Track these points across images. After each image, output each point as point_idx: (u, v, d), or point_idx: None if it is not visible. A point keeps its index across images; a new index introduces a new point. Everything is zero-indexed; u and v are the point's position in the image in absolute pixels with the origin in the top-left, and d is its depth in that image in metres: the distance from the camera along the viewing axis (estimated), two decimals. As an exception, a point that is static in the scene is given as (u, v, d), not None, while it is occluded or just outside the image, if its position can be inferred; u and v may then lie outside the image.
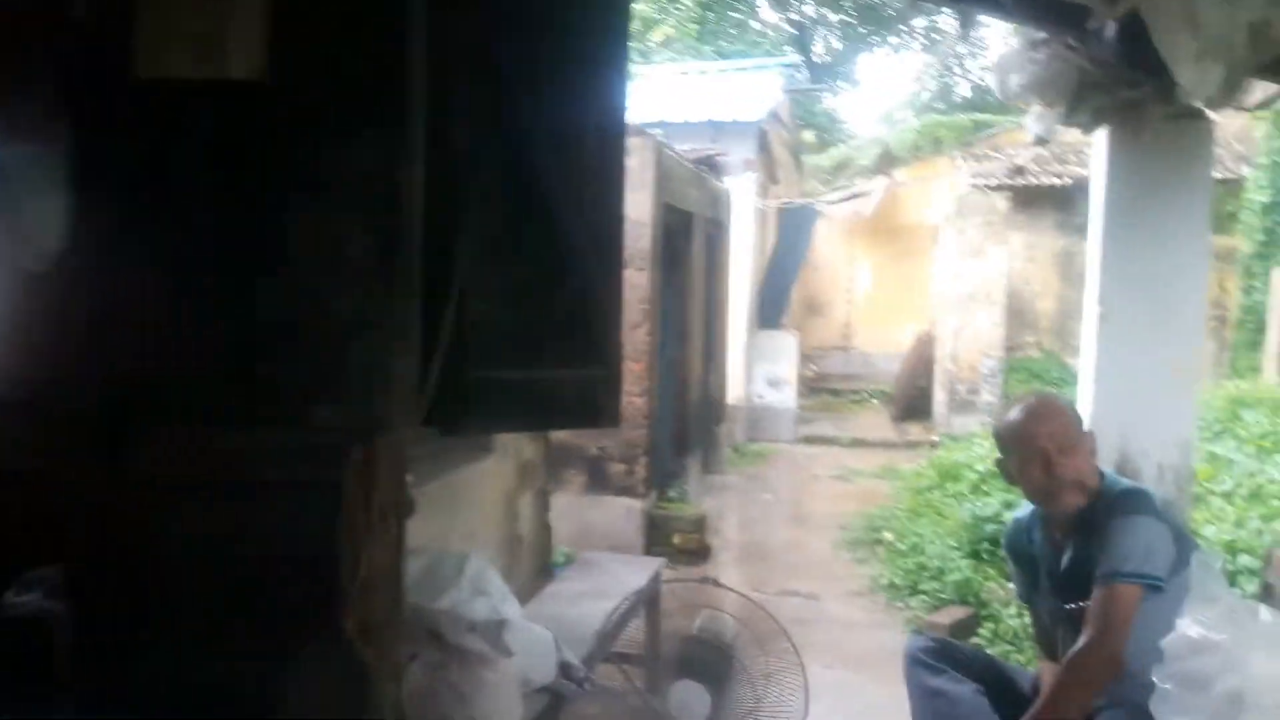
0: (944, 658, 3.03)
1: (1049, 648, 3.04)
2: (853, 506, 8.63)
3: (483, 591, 3.07)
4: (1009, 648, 5.23)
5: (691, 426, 8.62)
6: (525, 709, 3.03)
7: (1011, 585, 6.09)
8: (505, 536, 4.56)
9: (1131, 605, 2.59)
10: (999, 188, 13.11)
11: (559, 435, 7.08)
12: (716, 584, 3.32)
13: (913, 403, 13.33)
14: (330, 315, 1.50)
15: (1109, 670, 2.60)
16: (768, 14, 32.39)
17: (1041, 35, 4.26)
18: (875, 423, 13.13)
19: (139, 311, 1.47)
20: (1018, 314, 13.33)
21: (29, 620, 1.50)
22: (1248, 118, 16.51)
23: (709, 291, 9.42)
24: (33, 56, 1.50)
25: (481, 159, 3.22)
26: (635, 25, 18.96)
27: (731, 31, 25.31)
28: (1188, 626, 2.47)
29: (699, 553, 7.00)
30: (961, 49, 34.33)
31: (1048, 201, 15.32)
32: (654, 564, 4.86)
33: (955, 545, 6.49)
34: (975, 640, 5.49)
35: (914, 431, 12.48)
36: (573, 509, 7.02)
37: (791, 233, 12.28)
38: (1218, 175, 15.76)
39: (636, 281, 6.97)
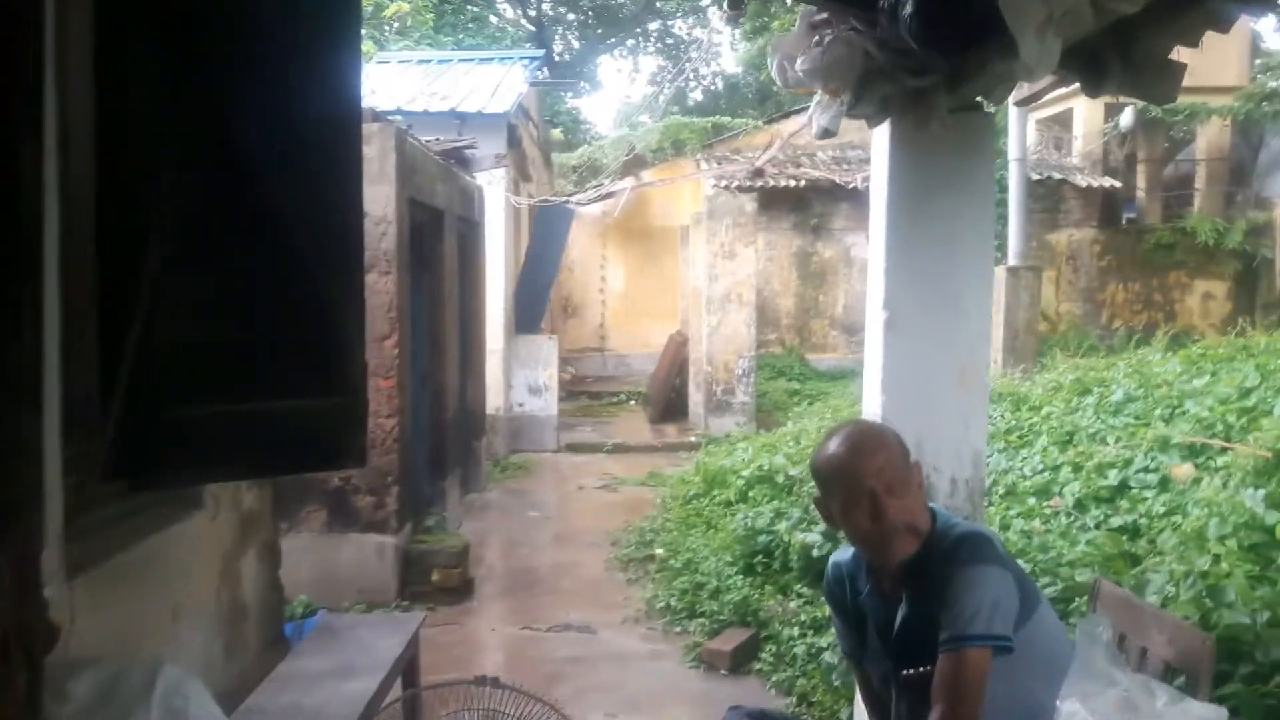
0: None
1: (882, 714, 2.59)
2: (621, 519, 8.13)
3: (179, 714, 2.25)
4: (792, 672, 4.87)
5: (450, 444, 7.81)
6: None
7: (795, 607, 5.85)
8: (223, 608, 3.63)
9: (983, 671, 2.19)
10: (741, 189, 13.12)
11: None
12: (496, 684, 2.62)
13: (669, 404, 13.11)
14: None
15: (965, 748, 2.17)
16: (505, 9, 31.81)
17: (822, 16, 3.86)
18: (634, 425, 12.79)
19: None
20: (761, 312, 13.43)
21: None
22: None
23: (464, 295, 8.63)
24: None
25: (174, 142, 2.32)
26: (367, 4, 17.71)
27: (469, 25, 24.43)
28: (1073, 712, 2.06)
29: (461, 589, 6.23)
30: (695, 54, 35.28)
31: (785, 203, 15.67)
32: (410, 624, 4.08)
33: (730, 561, 6.10)
34: (758, 665, 5.12)
35: (672, 433, 12.23)
36: (313, 550, 6.06)
37: (547, 232, 11.66)
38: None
39: (381, 287, 6.10)
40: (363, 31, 14.09)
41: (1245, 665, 3.19)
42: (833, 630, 3.35)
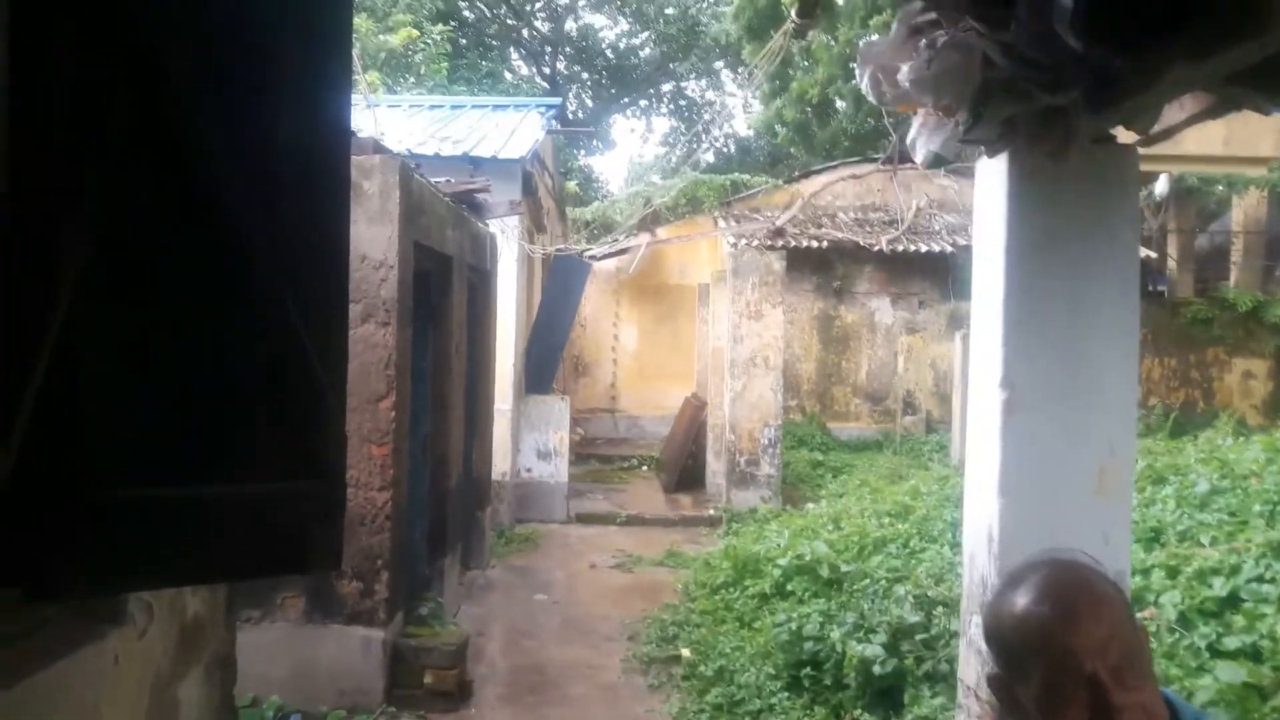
0: None
1: None
2: (638, 605, 7.20)
3: None
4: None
5: (451, 516, 6.90)
6: None
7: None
8: (151, 757, 2.72)
9: None
10: (762, 249, 12.35)
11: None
12: None
13: (685, 472, 12.19)
14: None
15: None
16: (520, 66, 31.56)
17: (929, 16, 3.07)
18: (648, 494, 11.85)
19: None
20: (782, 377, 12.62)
21: None
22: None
23: (473, 351, 7.79)
24: None
25: (107, 154, 1.59)
26: (376, 46, 17.15)
27: (484, 80, 24.02)
28: None
29: (458, 693, 5.29)
30: (709, 114, 34.98)
31: (806, 264, 14.93)
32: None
33: (773, 673, 5.18)
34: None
35: (688, 505, 11.29)
36: (289, 643, 5.14)
37: (562, 286, 10.85)
38: (962, 240, 16.04)
39: (378, 339, 5.26)
40: (374, 74, 13.38)
41: None
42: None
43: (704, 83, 34.74)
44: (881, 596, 5.47)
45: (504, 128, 10.90)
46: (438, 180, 7.18)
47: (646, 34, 32.93)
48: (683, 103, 35.09)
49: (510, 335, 9.63)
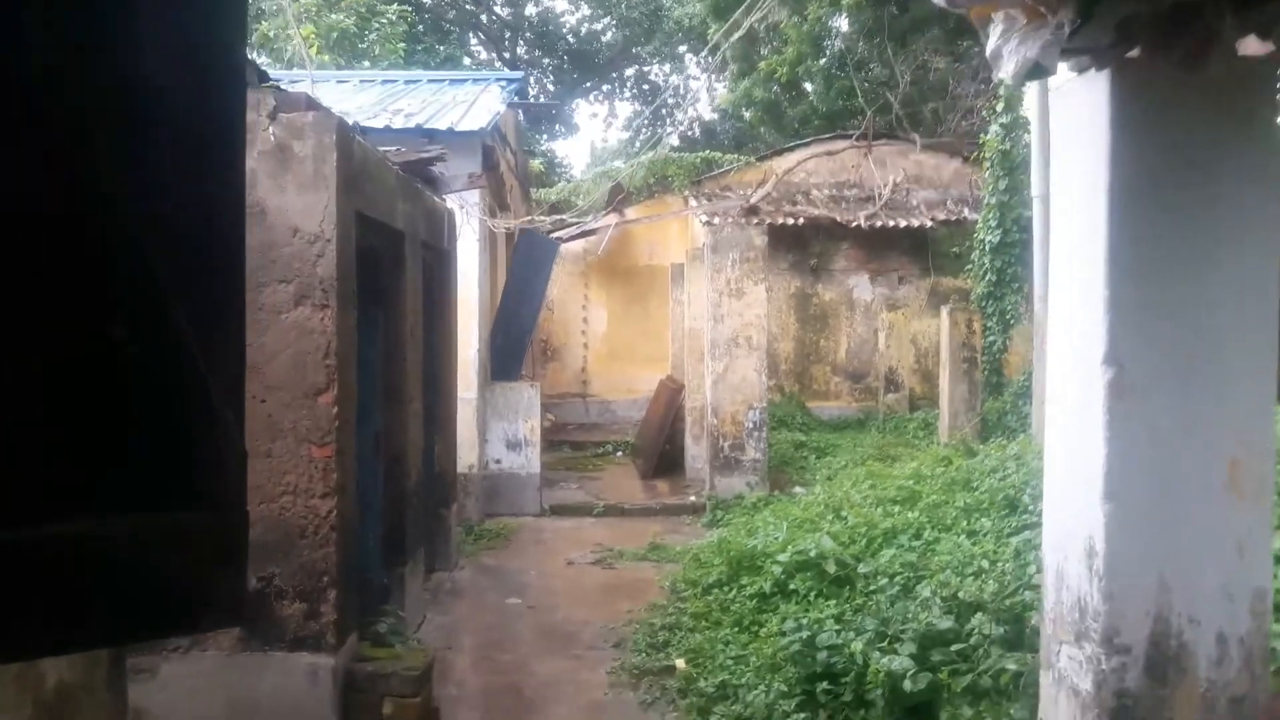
0: None
1: None
2: (622, 607, 6.47)
3: None
4: None
5: (411, 519, 6.12)
6: None
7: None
8: None
9: None
10: (742, 224, 11.62)
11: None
12: None
13: (663, 457, 11.47)
14: None
15: None
16: (479, 51, 30.57)
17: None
18: (624, 482, 11.12)
19: None
20: (760, 357, 11.92)
21: None
22: (960, 162, 16.38)
23: (431, 337, 7.00)
24: None
25: None
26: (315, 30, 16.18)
27: (443, 65, 23.04)
28: None
29: (423, 726, 4.53)
30: (671, 99, 34.15)
31: (781, 242, 14.20)
32: None
33: (785, 690, 4.45)
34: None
35: (667, 491, 10.58)
36: (222, 676, 4.35)
37: (529, 266, 10.03)
38: (941, 216, 15.42)
39: (315, 325, 4.46)
40: (321, 51, 12.42)
41: None
42: None
43: (668, 67, 33.89)
44: (901, 597, 4.77)
45: (462, 102, 10.06)
46: (387, 149, 6.37)
47: (608, 18, 32.02)
48: (646, 87, 34.22)
49: (473, 319, 8.83)
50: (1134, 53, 2.34)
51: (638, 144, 29.95)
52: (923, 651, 4.13)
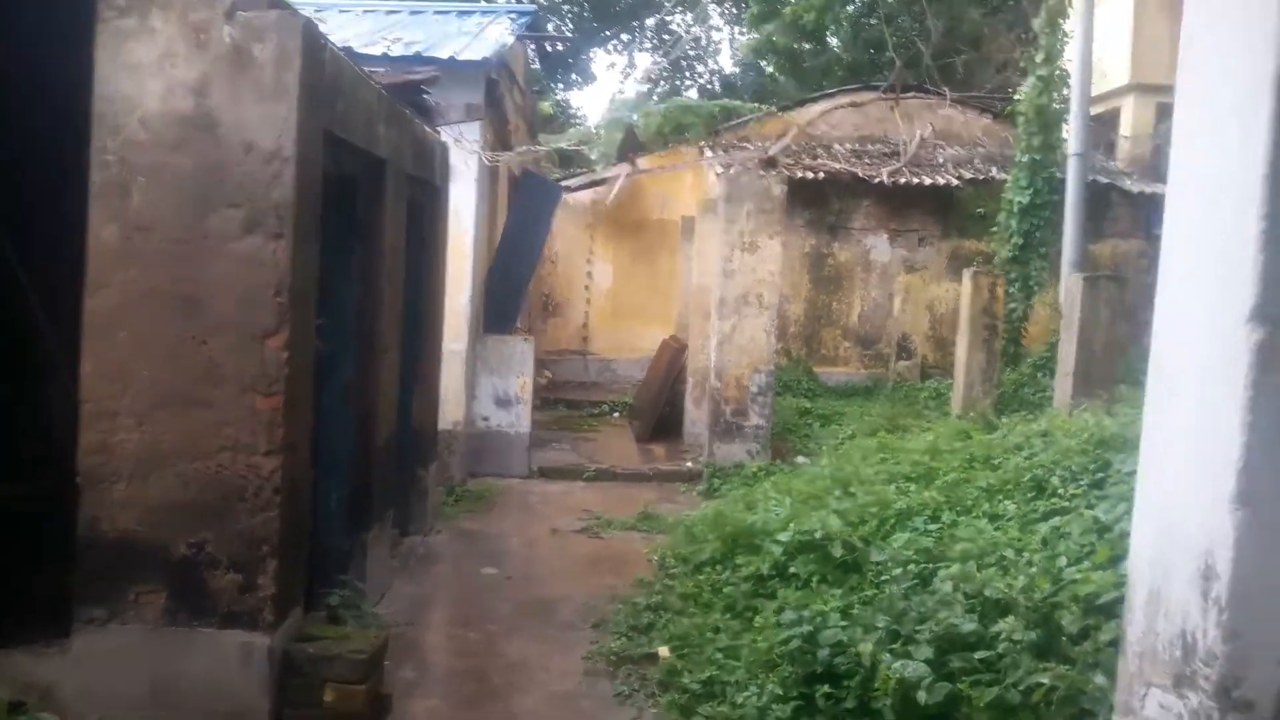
0: None
1: None
2: (605, 580, 5.99)
3: None
4: None
5: (379, 479, 5.61)
6: None
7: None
8: None
9: None
10: (758, 173, 10.98)
11: (115, 523, 3.92)
12: None
13: (661, 420, 10.96)
14: None
15: None
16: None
17: None
18: (619, 444, 10.61)
19: None
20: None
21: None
22: (990, 119, 15.63)
23: (414, 280, 6.45)
24: None
25: None
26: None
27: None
28: None
29: (368, 713, 4.04)
30: (692, 50, 33.16)
31: (799, 198, 13.52)
32: None
33: (780, 693, 3.95)
34: None
35: (663, 456, 10.07)
36: (144, 652, 3.88)
37: (529, 211, 9.42)
38: (967, 174, 14.71)
39: (266, 257, 3.90)
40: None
41: None
42: None
43: (689, 17, 32.85)
44: (917, 590, 4.25)
45: (467, 33, 9.41)
46: (373, 71, 5.78)
47: (632, -38, 30.95)
48: (666, 37, 33.22)
49: (466, 266, 8.27)
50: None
51: (655, 97, 29.11)
52: (940, 656, 3.62)
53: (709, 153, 14.48)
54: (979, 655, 3.57)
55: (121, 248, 3.91)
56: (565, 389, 13.80)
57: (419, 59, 7.82)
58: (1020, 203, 12.14)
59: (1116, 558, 4.21)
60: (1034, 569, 4.26)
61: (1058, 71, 12.45)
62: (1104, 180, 13.50)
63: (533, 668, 4.75)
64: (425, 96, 6.61)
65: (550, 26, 30.13)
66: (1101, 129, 15.51)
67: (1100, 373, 8.79)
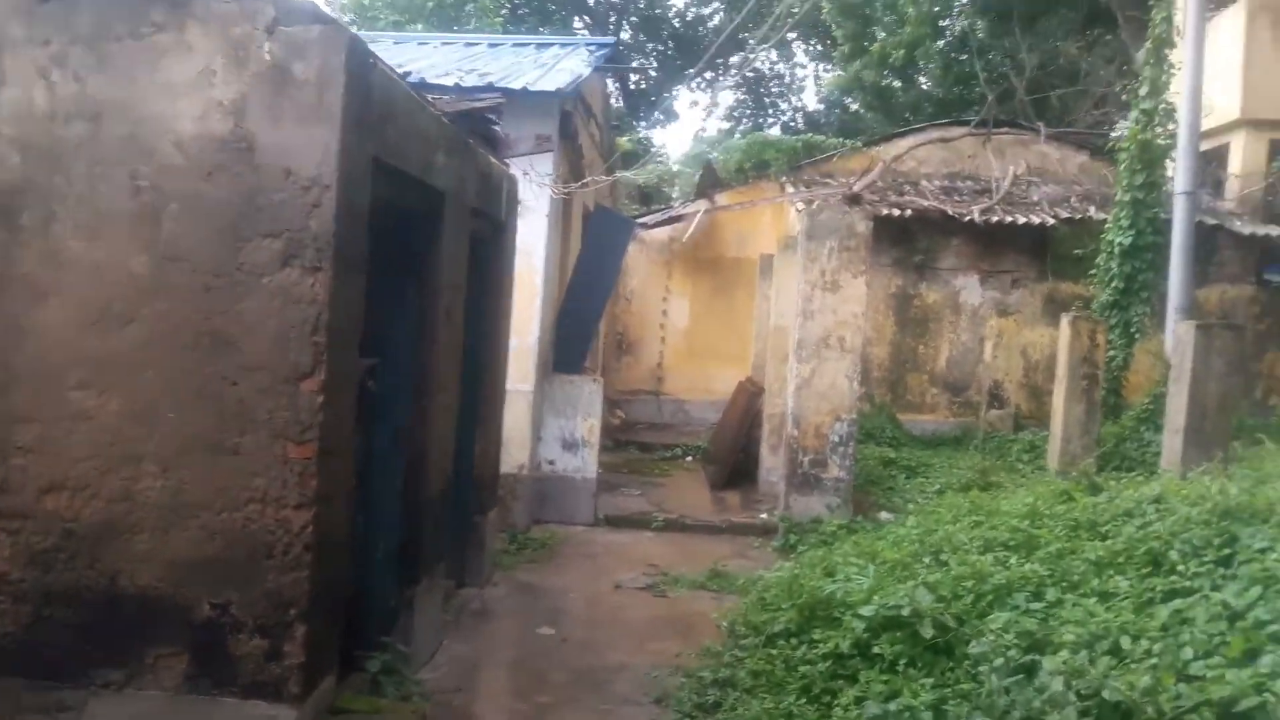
0: None
1: None
2: (671, 649, 5.49)
3: None
4: None
5: (430, 529, 5.25)
6: None
7: None
8: None
9: None
10: (842, 208, 10.46)
11: (135, 578, 3.60)
12: None
13: (736, 467, 10.44)
14: None
15: None
16: (583, 32, 29.76)
17: None
18: (691, 491, 10.12)
19: None
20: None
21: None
22: (1087, 156, 14.84)
23: (477, 318, 6.13)
24: None
25: None
26: None
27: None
28: None
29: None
30: (776, 88, 32.84)
31: (885, 235, 12.91)
32: None
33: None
34: None
35: (737, 506, 9.54)
36: (161, 721, 3.52)
37: (601, 247, 9.08)
38: (1064, 213, 13.94)
39: (303, 292, 3.57)
40: (417, 27, 11.70)
41: None
42: None
43: (774, 54, 32.57)
44: (1022, 685, 3.68)
45: (544, 64, 9.17)
46: (436, 97, 5.50)
47: (716, 2, 30.86)
48: (750, 74, 32.98)
49: (535, 303, 7.94)
50: None
51: (738, 134, 28.82)
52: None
53: (790, 188, 14.03)
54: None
55: (152, 279, 3.63)
56: (637, 430, 13.39)
57: (490, 89, 7.56)
58: (1122, 244, 11.36)
59: (1253, 651, 3.61)
60: (1155, 661, 3.66)
61: (1163, 105, 11.71)
62: (1211, 221, 12.61)
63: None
64: (494, 127, 6.31)
65: (635, 64, 30.18)
66: (1208, 166, 14.58)
67: (1213, 430, 8.00)
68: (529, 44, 10.80)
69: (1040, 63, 16.22)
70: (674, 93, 32.02)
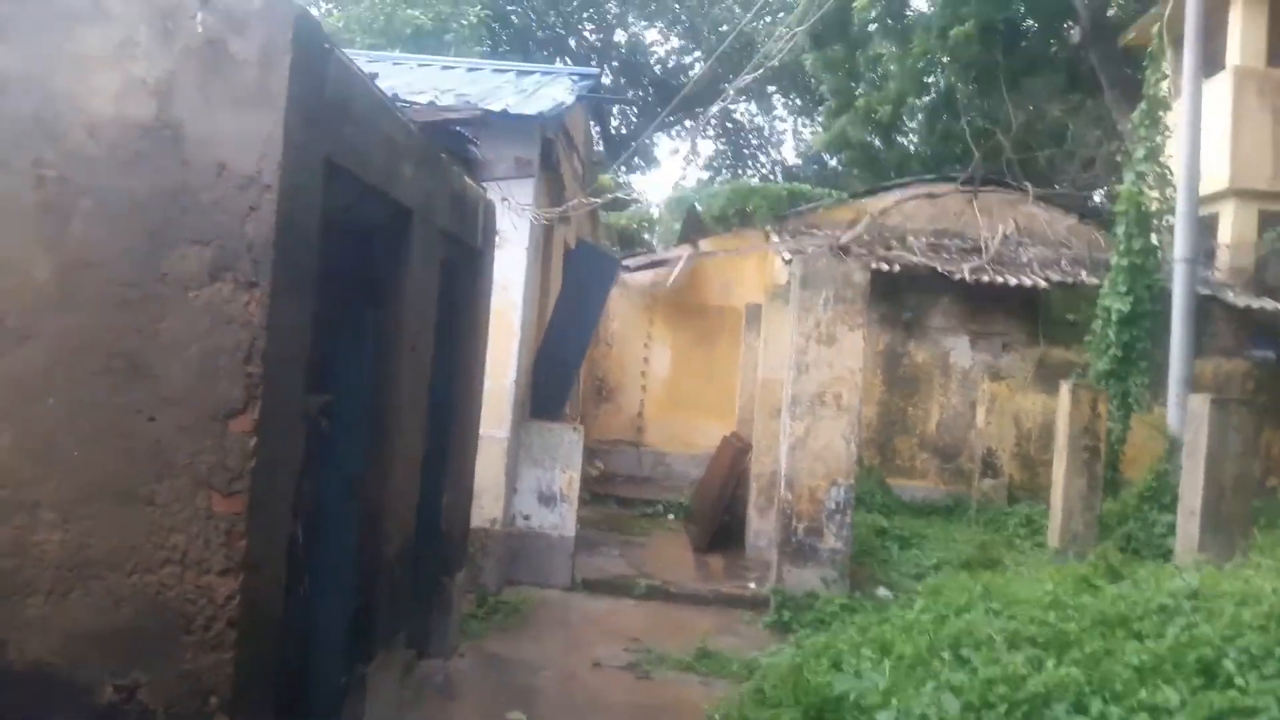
0: None
1: None
2: (656, 741, 4.78)
3: None
4: None
5: (386, 596, 4.54)
6: None
7: None
8: None
9: None
10: (838, 256, 9.95)
11: (25, 650, 2.90)
12: None
13: (721, 528, 9.77)
14: None
15: None
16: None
17: None
18: (674, 553, 9.43)
19: None
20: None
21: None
22: (1076, 219, 14.54)
23: (448, 354, 5.49)
24: None
25: None
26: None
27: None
28: None
29: None
30: (755, 140, 32.76)
31: (871, 290, 12.40)
32: None
33: None
34: None
35: (722, 572, 8.84)
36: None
37: (584, 285, 8.46)
38: (1055, 276, 13.57)
39: (234, 311, 2.92)
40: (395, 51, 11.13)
41: None
42: None
43: (754, 106, 32.55)
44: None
45: (524, 90, 8.64)
46: (406, 105, 4.91)
47: (698, 51, 30.83)
48: (730, 125, 32.90)
49: (512, 343, 7.31)
50: None
51: (718, 183, 28.56)
52: None
53: (775, 237, 13.58)
54: None
55: (56, 288, 2.96)
56: (616, 482, 12.70)
57: (468, 108, 6.99)
58: (1120, 310, 10.95)
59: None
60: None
61: (1156, 170, 11.42)
62: (1204, 291, 12.28)
63: None
64: (471, 147, 5.73)
65: (614, 110, 29.94)
66: (1200, 236, 14.34)
67: (1231, 512, 7.49)
68: (509, 70, 10.28)
69: (1026, 122, 16.01)
70: (654, 139, 31.83)
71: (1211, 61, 12.79)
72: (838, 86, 19.46)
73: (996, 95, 16.29)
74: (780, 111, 31.07)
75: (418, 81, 8.34)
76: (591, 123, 12.79)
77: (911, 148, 18.92)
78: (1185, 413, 8.67)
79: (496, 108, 6.99)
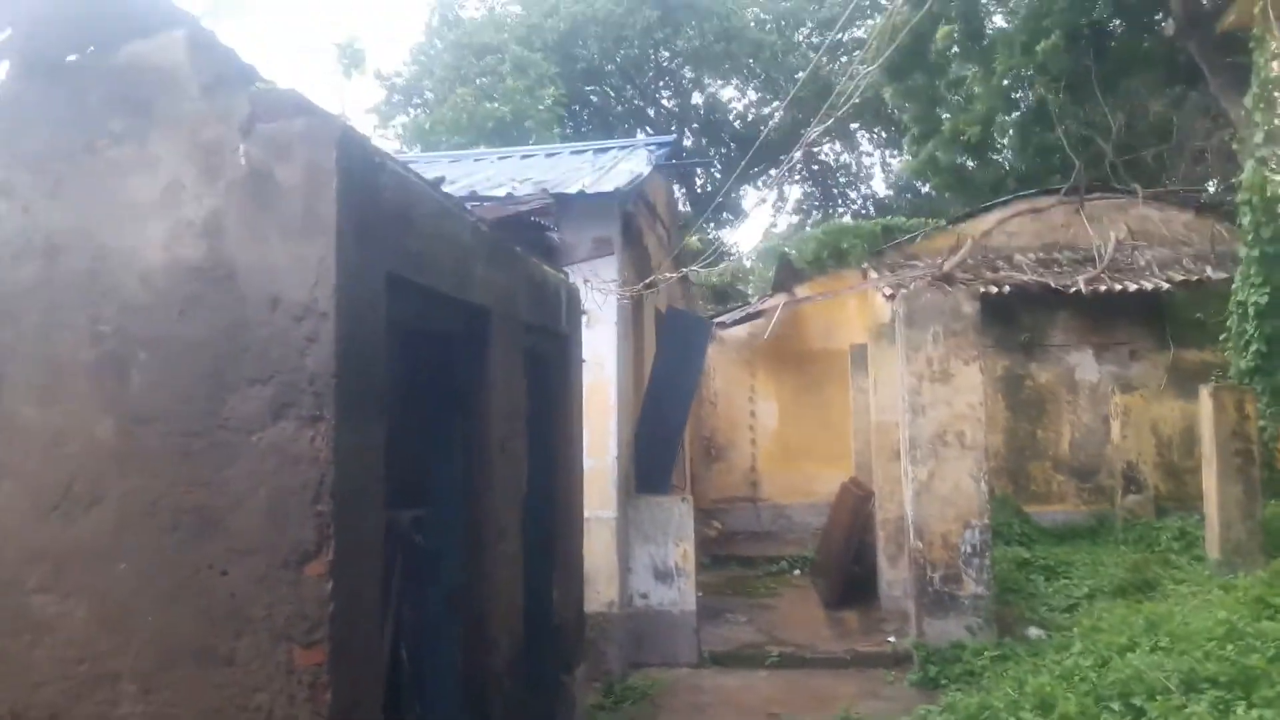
0: None
1: None
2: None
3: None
4: None
5: (501, 704, 4.28)
6: None
7: None
8: None
9: None
10: (943, 289, 9.41)
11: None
12: None
13: (850, 580, 9.22)
14: None
15: None
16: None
17: None
18: (804, 612, 8.92)
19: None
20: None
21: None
22: (1192, 214, 13.54)
23: (543, 445, 5.27)
24: None
25: None
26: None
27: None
28: None
29: None
30: (843, 178, 32.21)
31: (982, 314, 11.79)
32: None
33: None
34: None
35: (857, 628, 8.29)
36: None
37: (675, 352, 8.20)
38: (1177, 276, 12.63)
39: (301, 449, 2.72)
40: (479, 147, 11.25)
41: None
42: None
43: (838, 145, 32.06)
44: None
45: (601, 168, 8.51)
46: (475, 205, 4.76)
47: (776, 101, 30.64)
48: (815, 167, 32.47)
49: (610, 420, 7.06)
50: None
51: (809, 226, 28.10)
52: None
53: (873, 274, 13.05)
54: None
55: (119, 447, 2.84)
56: (736, 541, 12.24)
57: (539, 197, 6.86)
58: (1258, 303, 10.00)
59: None
60: None
61: (1277, 152, 10.48)
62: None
63: None
64: (549, 234, 5.56)
65: (697, 160, 29.91)
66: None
67: (1251, 528, 6.61)
68: (587, 150, 10.21)
69: (1126, 123, 15.09)
70: (740, 192, 31.63)
71: (1321, 31, 11.78)
72: (921, 114, 18.86)
73: (1092, 101, 15.45)
74: (866, 146, 30.48)
75: (498, 174, 8.31)
76: (675, 185, 12.66)
77: (1006, 165, 18.10)
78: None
79: (573, 189, 6.85)
